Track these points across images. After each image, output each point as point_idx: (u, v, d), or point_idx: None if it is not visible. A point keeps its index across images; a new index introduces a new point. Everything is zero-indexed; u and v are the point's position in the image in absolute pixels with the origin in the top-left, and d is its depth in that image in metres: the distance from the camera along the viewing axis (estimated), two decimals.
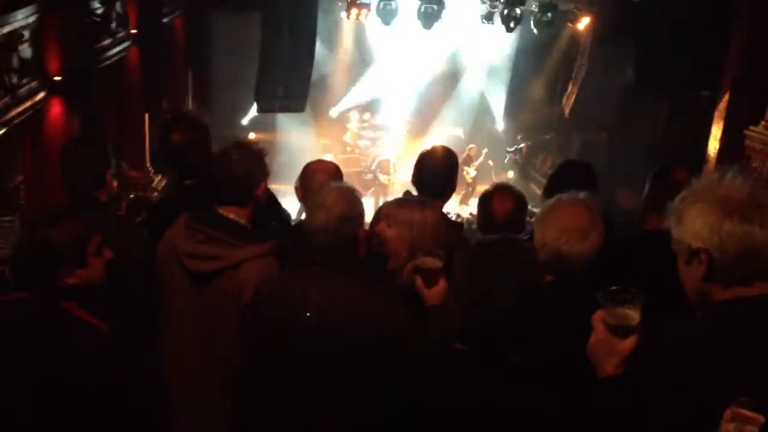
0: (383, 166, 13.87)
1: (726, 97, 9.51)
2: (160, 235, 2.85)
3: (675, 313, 2.08)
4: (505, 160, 15.01)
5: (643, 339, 1.77)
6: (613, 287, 1.79)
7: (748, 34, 9.15)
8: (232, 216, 2.68)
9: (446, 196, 3.38)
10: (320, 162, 3.63)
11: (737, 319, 1.68)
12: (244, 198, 2.71)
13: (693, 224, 1.73)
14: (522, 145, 14.78)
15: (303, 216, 3.27)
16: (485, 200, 3.27)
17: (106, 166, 3.14)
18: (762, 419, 1.62)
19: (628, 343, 1.78)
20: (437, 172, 3.33)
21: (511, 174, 14.69)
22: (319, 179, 3.24)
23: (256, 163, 2.76)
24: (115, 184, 3.27)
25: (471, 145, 14.29)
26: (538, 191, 13.56)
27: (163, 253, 2.77)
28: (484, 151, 14.25)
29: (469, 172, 13.88)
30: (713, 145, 9.67)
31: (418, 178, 3.36)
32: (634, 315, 1.79)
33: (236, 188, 2.69)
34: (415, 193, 3.34)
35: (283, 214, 3.80)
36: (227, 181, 2.69)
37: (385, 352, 2.15)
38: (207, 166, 2.83)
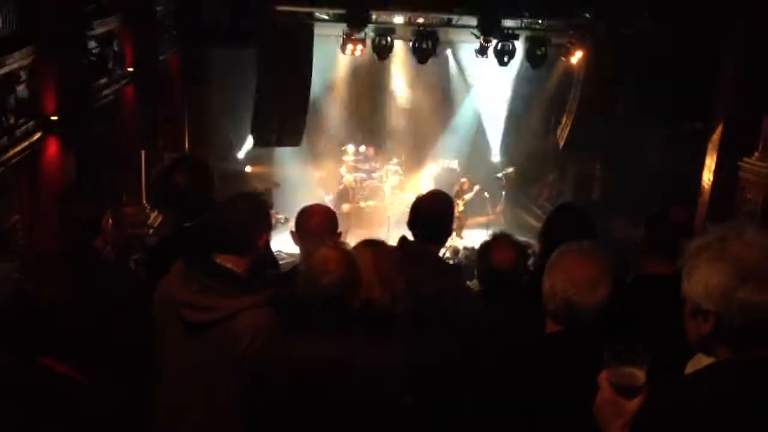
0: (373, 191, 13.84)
1: (719, 128, 9.57)
2: (159, 277, 2.84)
3: (674, 360, 2.07)
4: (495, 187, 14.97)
5: (647, 398, 1.72)
6: (618, 345, 1.76)
7: (741, 64, 9.24)
8: (230, 265, 2.68)
9: (442, 240, 3.40)
10: (315, 206, 3.63)
11: (741, 381, 1.64)
12: (245, 248, 2.71)
13: (704, 284, 1.65)
14: (510, 170, 14.78)
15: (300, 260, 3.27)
16: (484, 252, 3.27)
17: (100, 212, 3.14)
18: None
19: (634, 404, 1.73)
20: (433, 217, 3.35)
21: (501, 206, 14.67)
22: (315, 223, 3.25)
23: (259, 214, 2.77)
24: (110, 225, 3.25)
25: (463, 179, 14.27)
26: (533, 222, 13.58)
27: (159, 301, 2.76)
28: (476, 187, 14.17)
29: (459, 205, 13.81)
30: (707, 177, 9.70)
31: (413, 222, 3.38)
32: (639, 374, 1.75)
33: (237, 238, 2.69)
34: (411, 237, 3.36)
35: (271, 257, 3.73)
36: (229, 230, 2.69)
37: (387, 409, 2.11)
38: (210, 213, 2.83)
